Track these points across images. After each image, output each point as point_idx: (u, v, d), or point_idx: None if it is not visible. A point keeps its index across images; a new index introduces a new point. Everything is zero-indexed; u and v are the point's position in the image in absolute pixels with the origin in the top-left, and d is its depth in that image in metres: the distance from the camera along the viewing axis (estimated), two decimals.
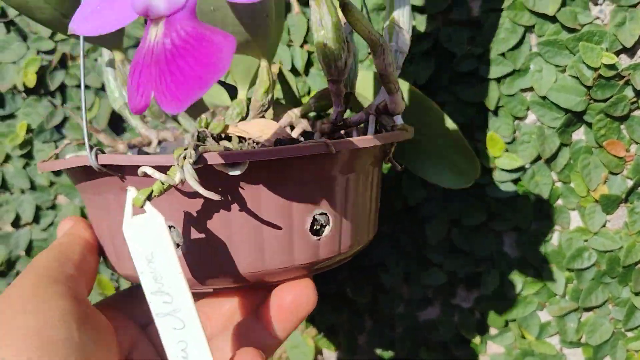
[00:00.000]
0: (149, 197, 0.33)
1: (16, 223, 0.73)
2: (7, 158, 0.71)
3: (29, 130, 0.69)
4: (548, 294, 0.65)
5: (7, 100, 0.69)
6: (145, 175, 0.33)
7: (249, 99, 0.51)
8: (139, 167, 0.33)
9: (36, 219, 0.73)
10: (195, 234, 0.37)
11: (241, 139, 0.48)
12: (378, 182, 0.47)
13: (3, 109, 0.69)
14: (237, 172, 0.34)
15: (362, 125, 0.47)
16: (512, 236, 0.66)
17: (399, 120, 0.48)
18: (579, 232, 0.64)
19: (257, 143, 0.47)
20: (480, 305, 0.68)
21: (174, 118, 0.54)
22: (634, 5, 0.57)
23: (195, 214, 0.37)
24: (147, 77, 0.27)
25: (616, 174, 0.62)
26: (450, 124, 0.57)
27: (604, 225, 0.63)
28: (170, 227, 0.37)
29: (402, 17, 0.47)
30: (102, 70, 0.56)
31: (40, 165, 0.42)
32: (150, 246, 0.32)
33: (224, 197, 0.36)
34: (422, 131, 0.54)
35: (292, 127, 0.50)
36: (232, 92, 0.58)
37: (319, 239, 0.40)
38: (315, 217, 0.40)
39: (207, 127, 0.47)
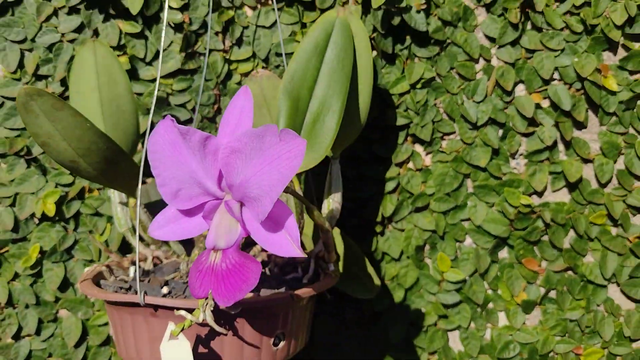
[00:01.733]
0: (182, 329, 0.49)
1: (17, 335, 0.79)
2: (16, 276, 0.78)
3: (41, 252, 0.77)
4: None
5: (21, 225, 0.77)
6: (179, 314, 0.49)
7: None
8: (173, 308, 0.50)
9: (37, 332, 0.79)
10: (201, 349, 0.52)
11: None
12: (312, 308, 0.63)
13: (17, 233, 0.77)
14: (235, 311, 0.51)
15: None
16: (455, 334, 0.82)
17: (330, 266, 0.65)
18: (505, 329, 0.82)
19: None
20: None
21: (166, 242, 0.66)
22: (542, 161, 0.78)
23: (203, 337, 0.53)
24: (208, 282, 0.45)
25: (532, 284, 0.81)
26: (362, 258, 0.74)
27: (524, 323, 0.82)
28: None
29: (336, 196, 0.66)
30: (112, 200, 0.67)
31: (82, 287, 0.55)
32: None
33: (224, 327, 0.52)
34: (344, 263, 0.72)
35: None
36: None
37: (277, 349, 0.57)
38: (277, 334, 0.57)
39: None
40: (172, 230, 0.50)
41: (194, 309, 0.50)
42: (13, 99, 0.75)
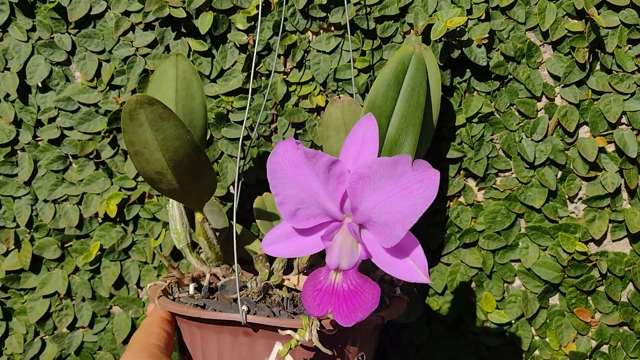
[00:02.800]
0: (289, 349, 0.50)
1: (72, 326, 0.84)
2: (76, 270, 0.83)
3: (101, 249, 0.82)
4: None
5: (85, 223, 0.82)
6: (287, 334, 0.50)
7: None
8: (277, 327, 0.51)
9: (91, 325, 0.84)
10: None
11: (291, 289, 0.62)
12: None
13: (80, 230, 0.82)
14: (333, 332, 0.51)
15: None
16: None
17: (397, 290, 0.64)
18: None
19: None
20: None
21: (229, 262, 0.67)
22: (602, 208, 0.74)
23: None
24: (327, 301, 0.47)
25: (583, 335, 0.77)
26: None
27: None
28: None
29: None
30: (170, 214, 0.67)
31: (162, 302, 0.56)
32: None
33: (328, 348, 0.52)
34: None
35: None
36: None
37: None
38: (358, 357, 0.56)
39: (268, 279, 0.62)
40: (285, 248, 0.52)
41: (296, 329, 0.51)
42: (88, 105, 0.80)
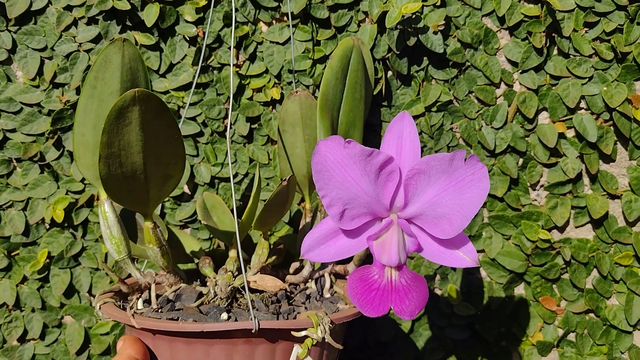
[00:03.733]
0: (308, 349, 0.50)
1: (22, 338, 0.80)
2: (24, 280, 0.79)
3: (49, 257, 0.78)
4: None
5: (31, 230, 0.78)
6: (305, 336, 0.50)
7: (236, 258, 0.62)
8: (290, 329, 0.50)
9: (42, 336, 0.80)
10: None
11: (260, 290, 0.60)
12: None
13: (27, 237, 0.78)
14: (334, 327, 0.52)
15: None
16: None
17: None
18: None
19: (275, 294, 0.59)
20: None
21: (174, 270, 0.63)
22: (564, 194, 0.73)
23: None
24: (388, 298, 0.48)
25: (549, 324, 0.76)
26: None
27: None
28: None
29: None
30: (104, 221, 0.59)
31: (139, 320, 0.51)
32: None
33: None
34: None
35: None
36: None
37: None
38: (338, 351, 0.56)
39: (232, 281, 0.59)
40: (325, 252, 0.51)
41: (302, 329, 0.51)
42: (31, 105, 0.76)
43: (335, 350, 0.58)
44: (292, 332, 0.50)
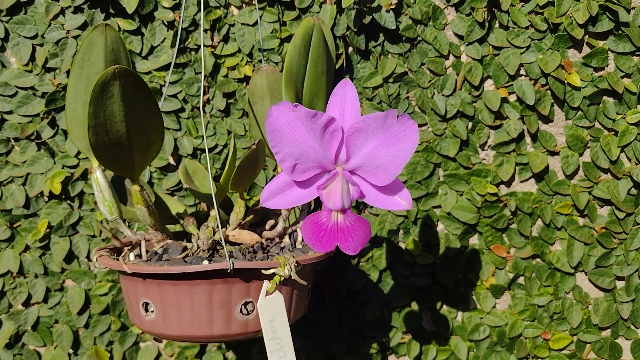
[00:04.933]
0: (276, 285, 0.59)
1: (27, 302, 0.88)
2: (26, 248, 0.87)
3: (49, 226, 0.86)
4: (456, 359, 0.87)
5: (31, 202, 0.86)
6: (273, 273, 0.59)
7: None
8: (261, 269, 0.59)
9: (45, 299, 0.88)
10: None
11: (238, 243, 0.68)
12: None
13: (28, 210, 0.86)
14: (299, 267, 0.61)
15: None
16: (428, 315, 0.87)
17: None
18: (476, 312, 0.86)
19: (252, 246, 0.67)
20: None
21: (162, 229, 0.71)
22: (509, 152, 0.82)
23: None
24: (334, 237, 0.56)
25: (501, 269, 0.85)
26: None
27: (494, 307, 0.86)
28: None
29: None
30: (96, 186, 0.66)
31: (131, 267, 0.60)
32: (272, 312, 0.58)
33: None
34: None
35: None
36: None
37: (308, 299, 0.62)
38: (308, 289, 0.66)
39: (213, 235, 0.67)
40: (282, 200, 0.59)
41: (271, 268, 0.59)
42: (25, 89, 0.83)
43: (304, 290, 0.66)
44: (262, 271, 0.58)
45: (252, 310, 0.61)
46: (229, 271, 0.57)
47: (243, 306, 0.61)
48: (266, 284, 0.59)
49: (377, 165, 0.57)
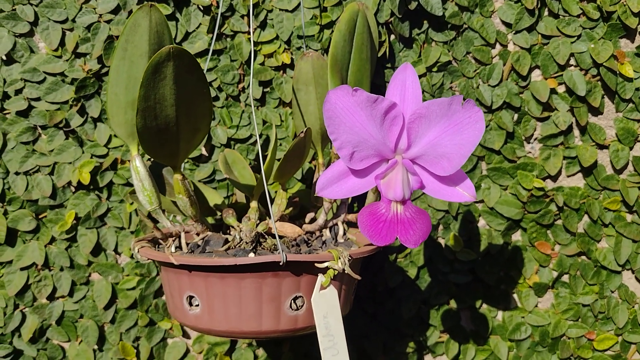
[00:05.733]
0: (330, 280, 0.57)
1: (51, 296, 0.85)
2: (52, 240, 0.84)
3: (76, 218, 0.83)
4: (495, 359, 0.84)
5: (58, 193, 0.83)
6: (327, 267, 0.56)
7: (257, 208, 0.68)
8: (314, 262, 0.56)
9: (70, 293, 0.85)
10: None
11: (280, 236, 0.65)
12: None
13: (54, 200, 0.83)
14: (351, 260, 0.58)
15: None
16: (467, 313, 0.84)
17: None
18: (517, 311, 0.83)
19: (294, 239, 0.64)
20: None
21: (201, 220, 0.68)
22: (556, 145, 0.79)
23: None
24: (394, 229, 0.53)
25: (545, 267, 0.82)
26: None
27: (536, 306, 0.83)
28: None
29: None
30: (136, 175, 0.64)
31: (181, 259, 0.57)
32: (326, 308, 0.55)
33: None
34: None
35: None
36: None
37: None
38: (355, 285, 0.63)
39: (256, 227, 0.64)
40: (338, 189, 0.57)
41: (325, 262, 0.56)
42: (54, 75, 0.80)
43: (352, 285, 0.63)
44: (316, 264, 0.56)
45: (302, 306, 0.58)
46: (281, 264, 0.55)
47: (293, 301, 0.58)
48: (320, 278, 0.56)
49: (440, 154, 0.54)
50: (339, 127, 0.53)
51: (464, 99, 0.52)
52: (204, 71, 0.75)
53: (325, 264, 0.56)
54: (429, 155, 0.54)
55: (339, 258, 0.56)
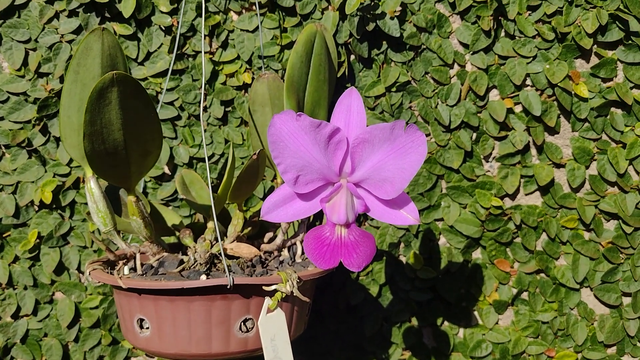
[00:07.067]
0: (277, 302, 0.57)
1: (16, 314, 0.85)
2: (16, 259, 0.84)
3: (39, 237, 0.83)
4: None
5: (21, 212, 0.83)
6: (274, 290, 0.56)
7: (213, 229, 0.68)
8: (262, 285, 0.56)
9: (34, 312, 0.85)
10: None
11: (236, 257, 0.65)
12: None
13: (17, 219, 0.83)
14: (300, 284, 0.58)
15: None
16: (429, 330, 0.85)
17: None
18: (478, 328, 0.84)
19: (250, 260, 0.65)
20: None
21: (157, 241, 0.68)
22: (514, 164, 0.80)
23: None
24: (338, 253, 0.54)
25: (504, 284, 0.83)
26: None
27: (497, 323, 0.83)
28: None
29: None
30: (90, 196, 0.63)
31: (125, 283, 0.57)
32: (274, 330, 0.55)
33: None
34: None
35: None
36: None
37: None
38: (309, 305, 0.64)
39: (211, 249, 0.65)
40: (283, 213, 0.57)
41: (272, 284, 0.57)
42: (17, 94, 0.81)
43: (304, 307, 0.64)
44: (264, 287, 0.56)
45: (252, 328, 0.58)
46: (229, 287, 0.55)
47: (242, 323, 0.58)
48: (267, 301, 0.56)
49: (383, 178, 0.54)
50: (283, 151, 0.54)
51: (407, 123, 0.53)
52: (164, 91, 0.76)
53: (273, 287, 0.56)
54: (373, 179, 0.55)
55: (287, 280, 0.57)
